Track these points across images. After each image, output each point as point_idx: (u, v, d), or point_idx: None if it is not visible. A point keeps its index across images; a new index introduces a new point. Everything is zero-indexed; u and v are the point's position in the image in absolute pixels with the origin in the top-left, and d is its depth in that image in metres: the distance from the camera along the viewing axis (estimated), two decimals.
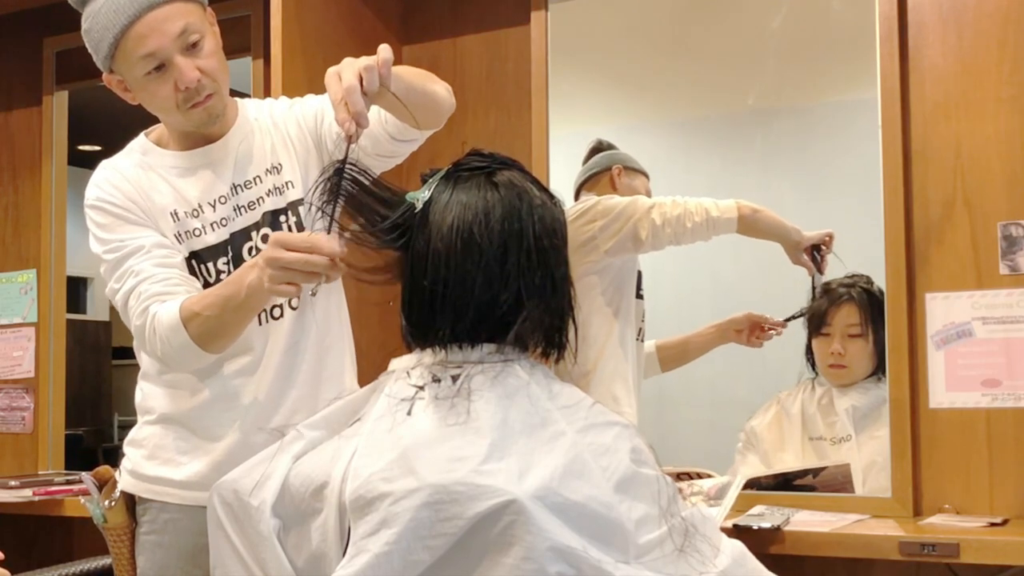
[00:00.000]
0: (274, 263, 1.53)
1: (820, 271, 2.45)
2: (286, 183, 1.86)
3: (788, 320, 2.55)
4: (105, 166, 1.89)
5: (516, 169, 1.53)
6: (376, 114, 1.75)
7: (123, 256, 1.77)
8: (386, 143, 1.79)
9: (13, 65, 3.39)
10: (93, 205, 1.83)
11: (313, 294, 1.70)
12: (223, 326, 1.68)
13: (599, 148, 2.69)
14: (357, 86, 1.49)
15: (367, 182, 1.52)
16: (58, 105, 3.32)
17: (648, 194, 2.63)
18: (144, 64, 1.74)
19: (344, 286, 1.95)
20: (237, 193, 1.85)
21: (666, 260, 2.53)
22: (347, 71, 1.51)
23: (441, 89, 1.76)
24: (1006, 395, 2.20)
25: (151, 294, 1.73)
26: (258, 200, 1.85)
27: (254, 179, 1.86)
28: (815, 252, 2.45)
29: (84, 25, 1.80)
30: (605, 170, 2.64)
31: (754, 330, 2.58)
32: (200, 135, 1.86)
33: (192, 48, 1.75)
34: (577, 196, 2.67)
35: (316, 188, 1.51)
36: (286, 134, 1.89)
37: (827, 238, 2.45)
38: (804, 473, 2.38)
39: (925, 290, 2.27)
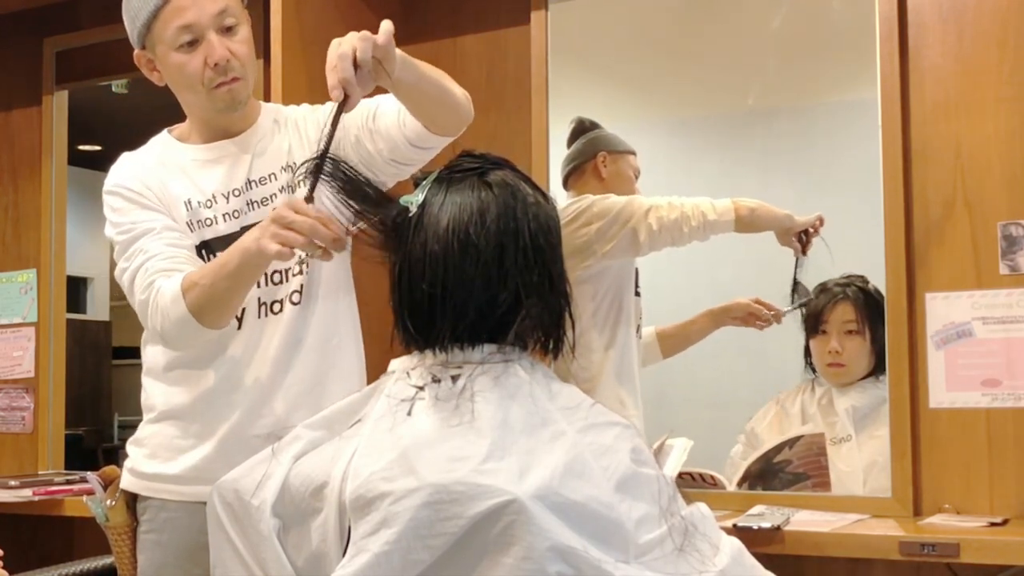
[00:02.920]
0: (280, 220, 1.58)
1: (804, 252, 2.47)
2: (299, 181, 1.87)
3: (788, 311, 2.55)
4: (125, 156, 1.94)
5: (508, 168, 1.54)
6: (396, 117, 1.79)
7: (134, 237, 1.81)
8: (404, 148, 1.80)
9: (13, 65, 3.39)
10: (110, 191, 1.88)
11: (301, 263, 1.79)
12: (216, 295, 1.69)
13: (581, 129, 2.67)
14: (349, 54, 1.55)
15: (347, 173, 1.58)
16: (58, 105, 3.31)
17: (637, 173, 2.62)
18: (178, 36, 1.79)
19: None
20: (251, 188, 1.88)
21: (666, 257, 2.53)
22: (346, 40, 1.56)
23: (459, 91, 1.79)
24: (1006, 395, 2.19)
25: (157, 269, 1.76)
26: (271, 196, 1.88)
27: (269, 176, 1.89)
28: (802, 235, 2.47)
29: None
30: (589, 159, 2.63)
31: (750, 319, 2.58)
32: (221, 129, 1.90)
33: (227, 31, 1.81)
34: (565, 184, 2.66)
35: (301, 166, 1.59)
36: (305, 136, 1.92)
37: (817, 222, 2.47)
38: (781, 447, 2.38)
39: (925, 290, 2.27)
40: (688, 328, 2.66)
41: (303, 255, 1.73)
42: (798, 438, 2.38)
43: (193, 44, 1.79)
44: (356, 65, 1.55)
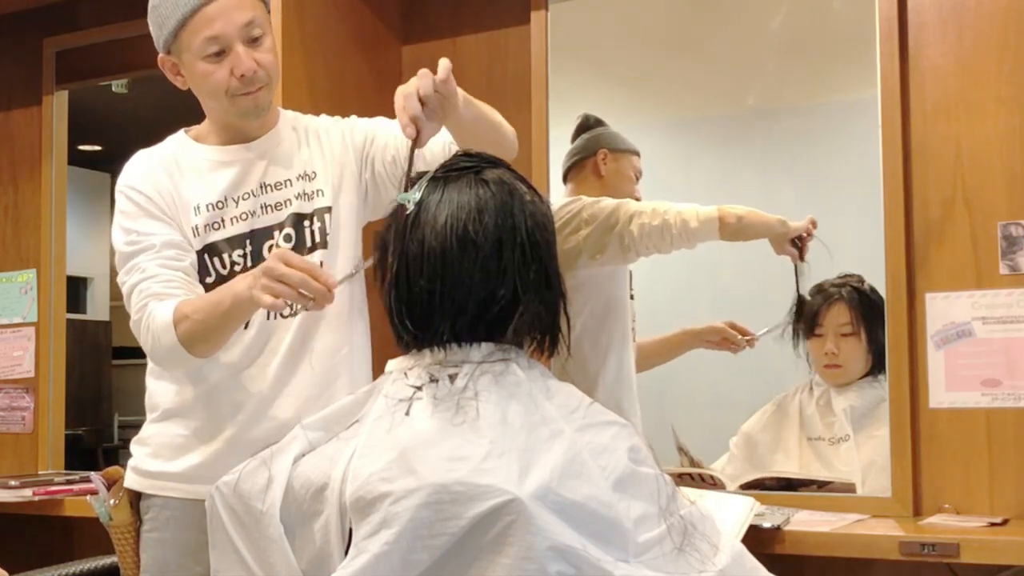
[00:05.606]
0: (271, 272, 1.59)
1: (801, 258, 2.46)
2: (316, 191, 1.90)
3: (762, 335, 2.54)
4: (140, 154, 1.96)
5: (503, 167, 1.54)
6: (442, 147, 1.82)
7: (135, 251, 1.83)
8: None
9: (13, 65, 3.39)
10: (121, 190, 1.90)
11: (287, 316, 1.82)
12: (207, 331, 1.73)
13: (585, 126, 2.67)
14: (413, 92, 1.61)
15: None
16: (58, 105, 3.32)
17: (638, 174, 2.62)
18: (206, 46, 1.81)
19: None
20: (265, 192, 1.89)
21: (664, 261, 2.53)
22: (409, 82, 1.63)
23: (509, 131, 1.86)
24: (1006, 395, 2.20)
25: (151, 292, 1.78)
26: (285, 202, 1.89)
27: (284, 181, 1.90)
28: (797, 240, 2.46)
29: (153, 1, 1.86)
30: (589, 156, 2.63)
31: (724, 344, 2.57)
32: (238, 132, 1.91)
33: (253, 42, 1.83)
34: (564, 180, 2.66)
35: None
36: (328, 147, 1.94)
37: (810, 226, 2.45)
38: (809, 483, 2.38)
39: (925, 290, 2.27)
40: (663, 345, 2.65)
41: (297, 307, 1.75)
42: (828, 482, 2.37)
43: (220, 54, 1.81)
44: (422, 102, 1.61)
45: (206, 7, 1.79)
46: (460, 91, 1.68)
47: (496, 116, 1.83)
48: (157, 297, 1.78)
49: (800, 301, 2.49)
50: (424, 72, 1.63)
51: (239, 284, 1.68)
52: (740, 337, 2.55)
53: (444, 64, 1.64)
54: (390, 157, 1.88)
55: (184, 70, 1.87)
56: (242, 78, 1.81)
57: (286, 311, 1.83)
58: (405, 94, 1.62)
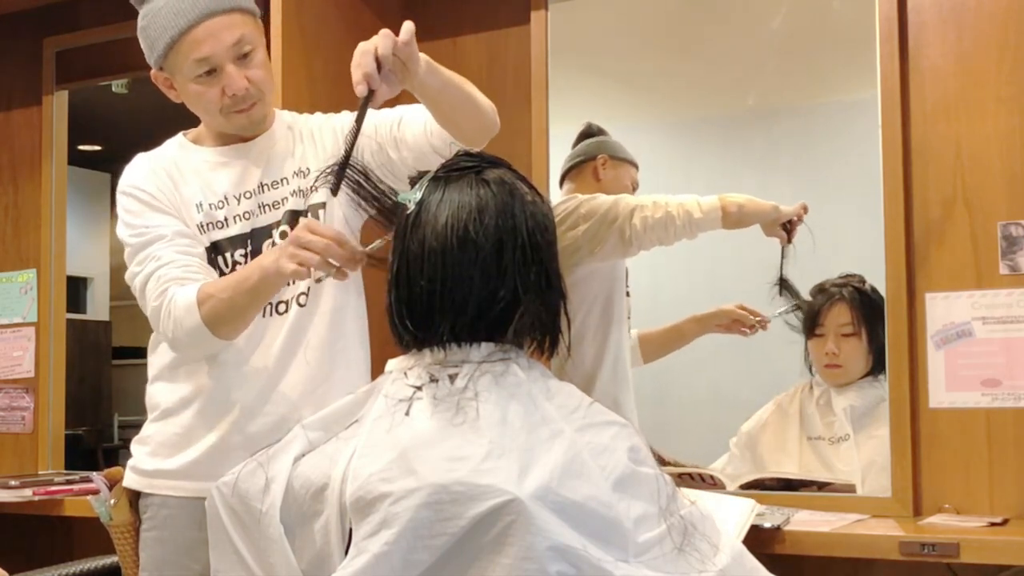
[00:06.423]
0: (297, 240, 1.62)
1: (789, 241, 2.47)
2: (311, 187, 1.90)
3: (775, 317, 2.54)
4: (140, 156, 1.96)
5: (505, 167, 1.54)
6: (423, 126, 1.82)
7: (146, 242, 1.83)
8: (430, 156, 1.81)
9: (13, 65, 3.39)
10: (124, 191, 1.90)
11: (318, 281, 1.77)
12: (233, 309, 1.72)
13: (588, 133, 2.68)
14: (371, 51, 1.59)
15: (367, 175, 1.62)
16: (58, 105, 3.31)
17: (635, 185, 2.63)
18: (196, 67, 1.81)
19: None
20: (263, 191, 1.90)
21: (665, 254, 2.53)
22: (370, 40, 1.60)
23: (484, 101, 1.82)
24: (1006, 395, 2.20)
25: (170, 278, 1.78)
26: (282, 200, 1.90)
27: (281, 180, 1.91)
28: (787, 224, 2.48)
29: (141, 22, 1.85)
30: (590, 159, 2.64)
31: (735, 326, 2.57)
32: (235, 136, 1.92)
33: (244, 58, 1.82)
34: (561, 183, 2.67)
35: (323, 172, 1.63)
36: (320, 143, 1.94)
37: (801, 210, 2.47)
38: (809, 483, 2.38)
39: (925, 290, 2.27)
40: (671, 334, 2.66)
41: (321, 274, 1.74)
42: (828, 483, 2.37)
43: (211, 73, 1.81)
44: (379, 62, 1.59)
45: (194, 29, 1.79)
46: (424, 57, 1.66)
47: (469, 87, 1.79)
48: (178, 281, 1.77)
49: (782, 282, 2.50)
50: (386, 32, 1.61)
51: (266, 258, 1.69)
52: (752, 318, 2.55)
53: (407, 27, 1.62)
54: (376, 145, 1.87)
55: (176, 86, 1.87)
56: (233, 97, 1.82)
57: (311, 280, 1.81)
58: (362, 51, 1.60)
